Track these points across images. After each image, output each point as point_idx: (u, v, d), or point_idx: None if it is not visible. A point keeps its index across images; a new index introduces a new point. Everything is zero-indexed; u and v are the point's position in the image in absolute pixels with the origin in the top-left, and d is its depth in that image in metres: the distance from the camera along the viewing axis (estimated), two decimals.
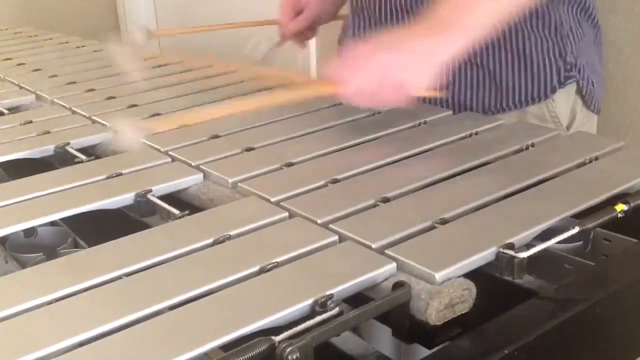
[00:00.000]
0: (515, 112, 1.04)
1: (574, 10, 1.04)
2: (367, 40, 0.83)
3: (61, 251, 0.73)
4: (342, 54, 0.84)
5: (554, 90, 1.02)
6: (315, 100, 1.05)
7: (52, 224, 0.74)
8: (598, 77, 1.10)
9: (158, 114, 1.06)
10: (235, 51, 1.26)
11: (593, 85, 1.07)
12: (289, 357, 0.47)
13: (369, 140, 0.91)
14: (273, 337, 0.49)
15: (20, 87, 1.28)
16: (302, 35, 1.26)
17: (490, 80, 1.03)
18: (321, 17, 1.24)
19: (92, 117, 1.06)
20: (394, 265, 0.59)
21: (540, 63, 1.01)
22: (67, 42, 1.74)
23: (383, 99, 0.82)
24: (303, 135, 0.94)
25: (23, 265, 0.69)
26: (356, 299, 0.57)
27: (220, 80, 1.25)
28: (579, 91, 1.06)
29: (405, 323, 0.56)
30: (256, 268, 0.59)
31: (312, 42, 2.18)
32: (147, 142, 0.93)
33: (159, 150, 0.90)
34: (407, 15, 1.05)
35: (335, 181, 0.78)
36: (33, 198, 0.77)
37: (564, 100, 1.05)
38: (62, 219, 0.74)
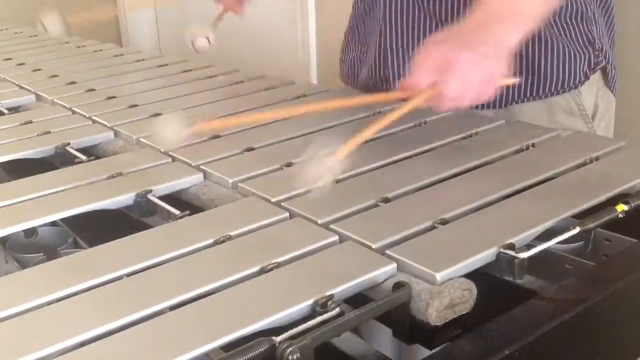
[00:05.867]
0: (541, 103, 1.03)
1: None
2: (435, 41, 0.80)
3: (61, 251, 0.73)
4: (418, 61, 0.79)
5: (586, 76, 1.02)
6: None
7: (53, 224, 0.74)
8: (614, 61, 1.10)
9: (159, 114, 1.05)
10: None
11: (614, 69, 1.08)
12: (290, 358, 0.47)
13: (369, 141, 0.90)
14: (274, 338, 0.49)
15: (21, 87, 1.28)
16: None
17: (521, 67, 1.02)
18: None
19: (93, 117, 1.06)
20: (394, 265, 0.59)
21: (571, 50, 1.01)
22: (67, 42, 1.74)
23: (477, 96, 0.79)
24: (303, 135, 0.94)
25: (23, 265, 0.69)
26: (357, 300, 0.57)
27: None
28: (605, 76, 1.06)
29: (405, 323, 0.56)
30: (257, 268, 0.59)
31: (313, 49, 2.17)
32: (148, 143, 0.93)
33: (160, 151, 0.90)
34: (439, 24, 1.03)
35: (336, 181, 0.77)
36: (33, 198, 0.77)
37: (589, 91, 1.05)
38: (62, 219, 0.74)
